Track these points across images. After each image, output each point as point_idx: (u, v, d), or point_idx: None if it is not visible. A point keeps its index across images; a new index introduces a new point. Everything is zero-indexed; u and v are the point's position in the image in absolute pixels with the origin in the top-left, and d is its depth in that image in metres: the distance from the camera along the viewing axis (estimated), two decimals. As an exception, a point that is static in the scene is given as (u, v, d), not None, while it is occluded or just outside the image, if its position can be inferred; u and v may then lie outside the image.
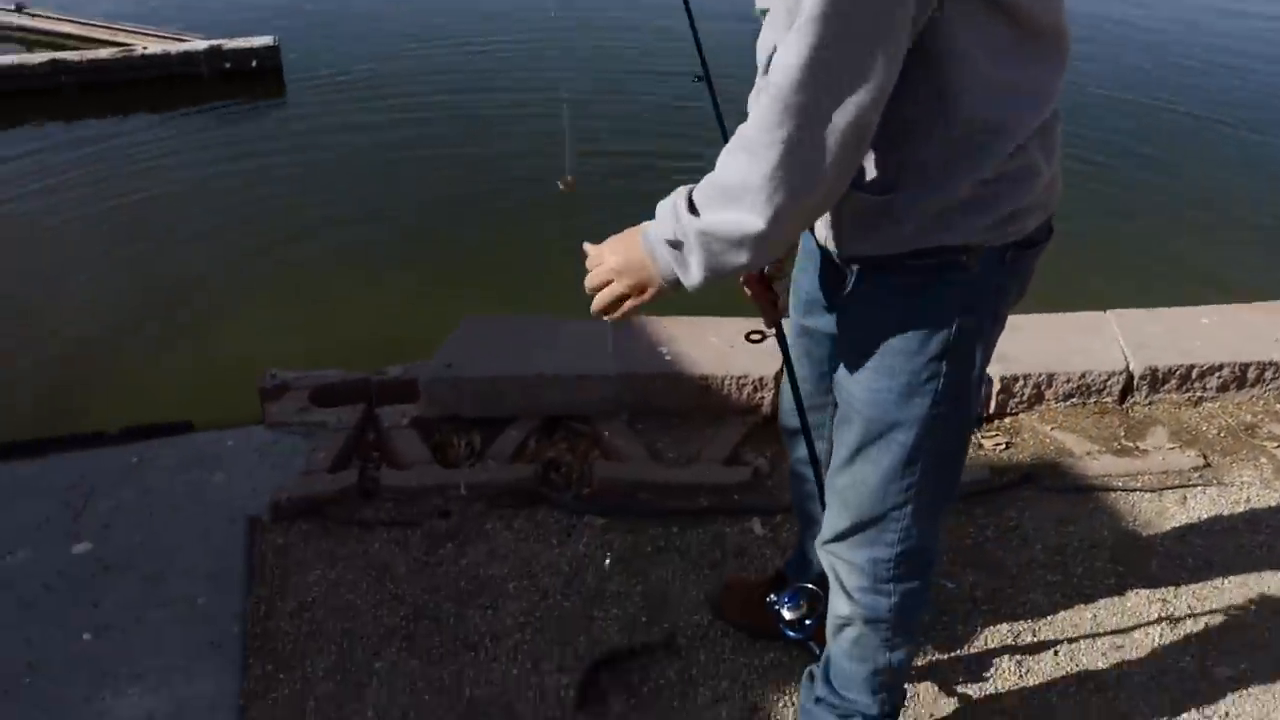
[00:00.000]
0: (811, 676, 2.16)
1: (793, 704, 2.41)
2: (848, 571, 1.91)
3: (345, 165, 6.56)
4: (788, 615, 2.25)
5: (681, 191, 1.53)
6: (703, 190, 1.50)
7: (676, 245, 1.53)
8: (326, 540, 2.87)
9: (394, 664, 2.50)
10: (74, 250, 5.49)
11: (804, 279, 1.97)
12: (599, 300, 1.69)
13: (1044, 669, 2.48)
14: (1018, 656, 2.52)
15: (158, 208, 5.95)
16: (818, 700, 2.13)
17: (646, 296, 1.63)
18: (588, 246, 1.71)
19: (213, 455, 3.17)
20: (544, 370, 3.23)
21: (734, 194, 1.44)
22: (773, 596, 2.27)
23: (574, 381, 3.25)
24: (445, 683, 2.45)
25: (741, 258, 1.49)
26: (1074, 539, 2.89)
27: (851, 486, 1.81)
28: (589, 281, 1.69)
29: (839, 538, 1.88)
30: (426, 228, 5.82)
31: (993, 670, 2.48)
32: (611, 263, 1.64)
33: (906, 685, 2.24)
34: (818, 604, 2.25)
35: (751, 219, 1.43)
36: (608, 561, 2.78)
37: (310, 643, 2.56)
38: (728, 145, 1.48)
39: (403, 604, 2.67)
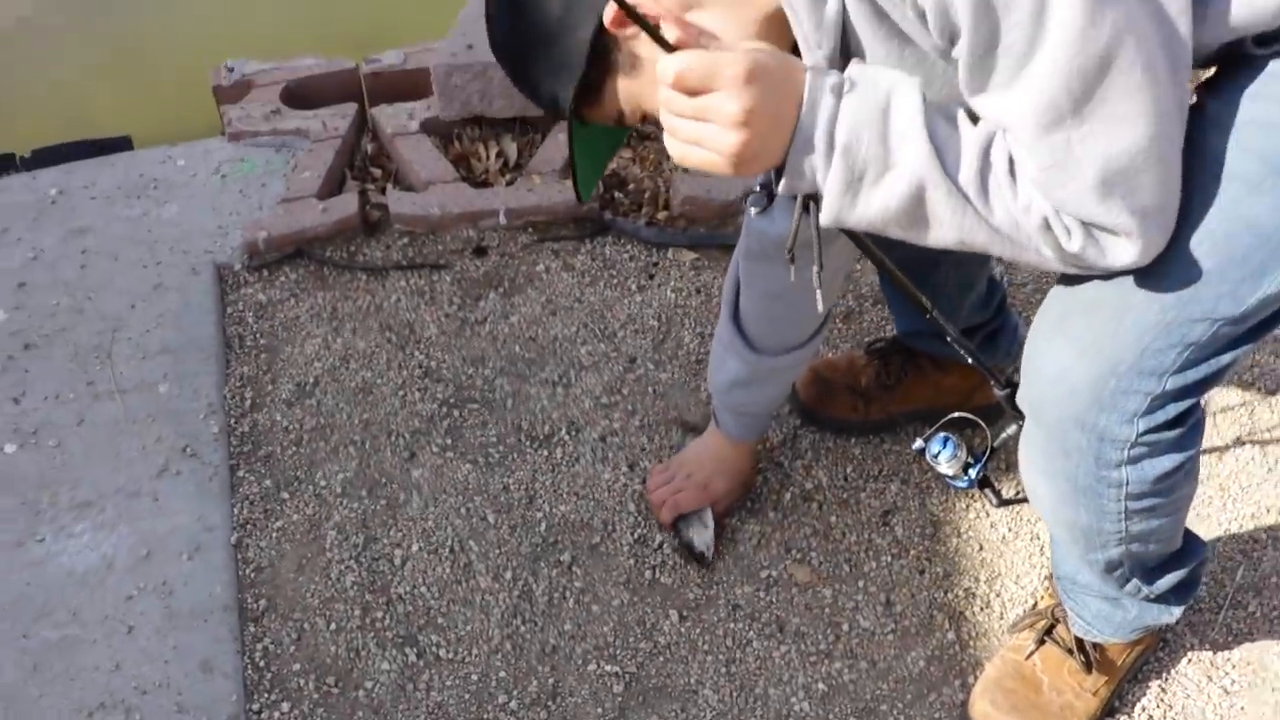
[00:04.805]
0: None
1: (986, 514, 1.76)
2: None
3: None
4: (946, 469, 1.51)
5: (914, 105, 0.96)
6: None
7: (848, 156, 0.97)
8: (324, 293, 2.12)
9: (438, 470, 1.82)
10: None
11: None
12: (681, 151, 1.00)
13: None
14: (1255, 437, 1.87)
15: None
16: (1056, 577, 1.46)
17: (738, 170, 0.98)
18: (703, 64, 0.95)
19: (159, 181, 2.36)
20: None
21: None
22: (920, 443, 1.53)
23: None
24: (512, 496, 1.78)
25: (919, 231, 1.01)
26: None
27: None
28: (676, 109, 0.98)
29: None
30: None
31: (1228, 455, 1.83)
32: (737, 107, 0.94)
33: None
34: (984, 440, 1.54)
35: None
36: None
37: (319, 442, 1.87)
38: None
39: (439, 382, 1.96)
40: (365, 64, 2.59)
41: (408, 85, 2.53)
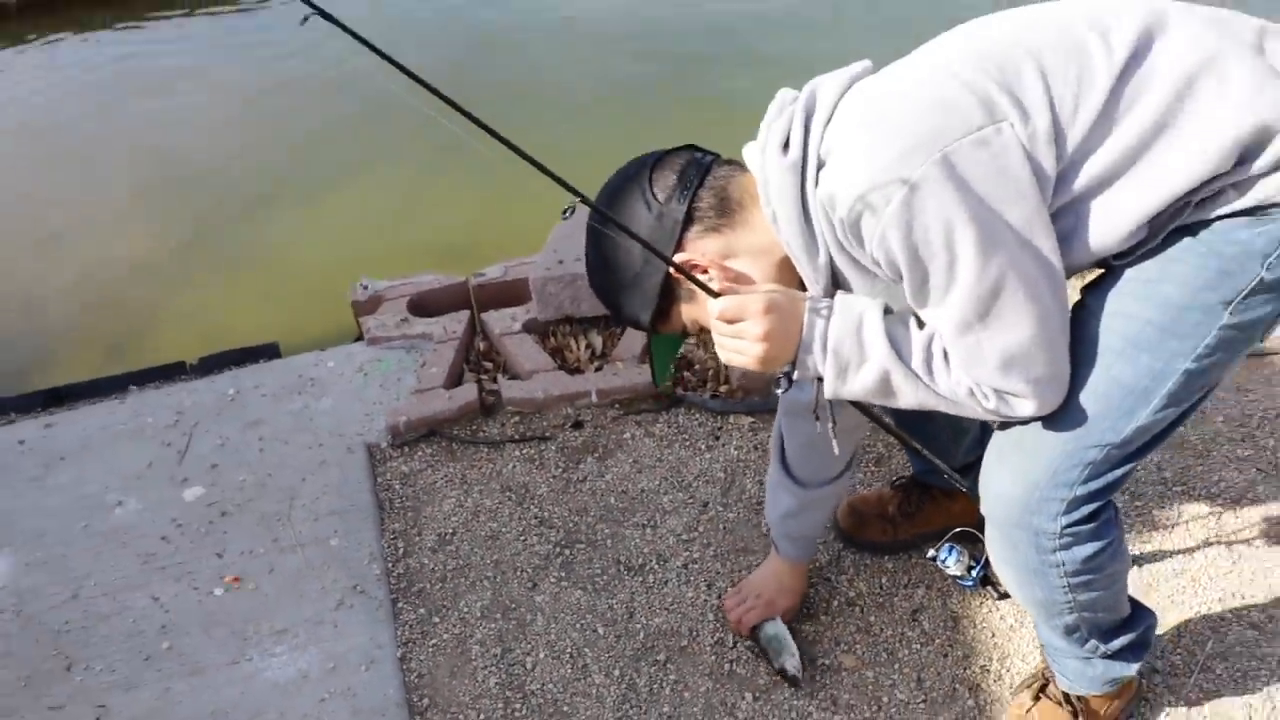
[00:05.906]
0: None
1: (997, 609, 2.18)
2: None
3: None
4: (953, 570, 1.99)
5: (878, 320, 1.46)
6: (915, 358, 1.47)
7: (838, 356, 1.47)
8: (454, 464, 2.64)
9: (556, 596, 2.29)
10: (104, 168, 5.12)
11: None
12: (726, 357, 1.54)
13: (1254, 554, 2.24)
14: (1221, 538, 2.28)
15: (187, 112, 5.57)
16: (1041, 644, 1.90)
17: (762, 368, 1.52)
18: (736, 303, 1.49)
19: (314, 379, 2.93)
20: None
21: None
22: (931, 552, 2.01)
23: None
24: (615, 613, 2.24)
25: (891, 399, 1.49)
26: (1257, 409, 2.61)
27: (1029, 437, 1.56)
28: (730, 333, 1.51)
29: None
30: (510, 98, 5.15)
31: (1198, 552, 2.24)
32: (760, 329, 1.47)
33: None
34: (981, 546, 2.01)
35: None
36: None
37: (460, 579, 2.35)
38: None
39: (552, 528, 2.45)
40: (474, 278, 3.17)
41: (509, 294, 3.11)
